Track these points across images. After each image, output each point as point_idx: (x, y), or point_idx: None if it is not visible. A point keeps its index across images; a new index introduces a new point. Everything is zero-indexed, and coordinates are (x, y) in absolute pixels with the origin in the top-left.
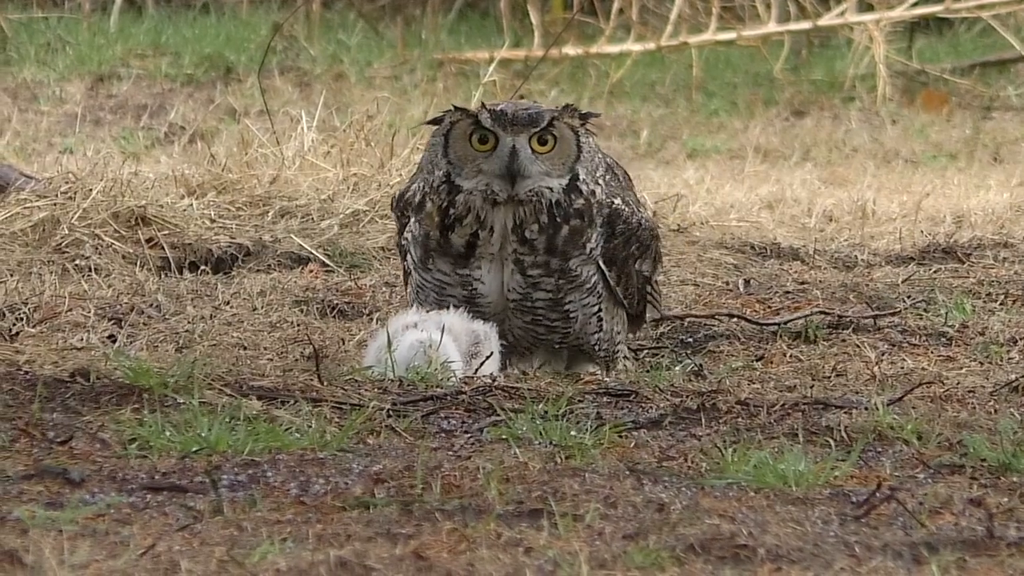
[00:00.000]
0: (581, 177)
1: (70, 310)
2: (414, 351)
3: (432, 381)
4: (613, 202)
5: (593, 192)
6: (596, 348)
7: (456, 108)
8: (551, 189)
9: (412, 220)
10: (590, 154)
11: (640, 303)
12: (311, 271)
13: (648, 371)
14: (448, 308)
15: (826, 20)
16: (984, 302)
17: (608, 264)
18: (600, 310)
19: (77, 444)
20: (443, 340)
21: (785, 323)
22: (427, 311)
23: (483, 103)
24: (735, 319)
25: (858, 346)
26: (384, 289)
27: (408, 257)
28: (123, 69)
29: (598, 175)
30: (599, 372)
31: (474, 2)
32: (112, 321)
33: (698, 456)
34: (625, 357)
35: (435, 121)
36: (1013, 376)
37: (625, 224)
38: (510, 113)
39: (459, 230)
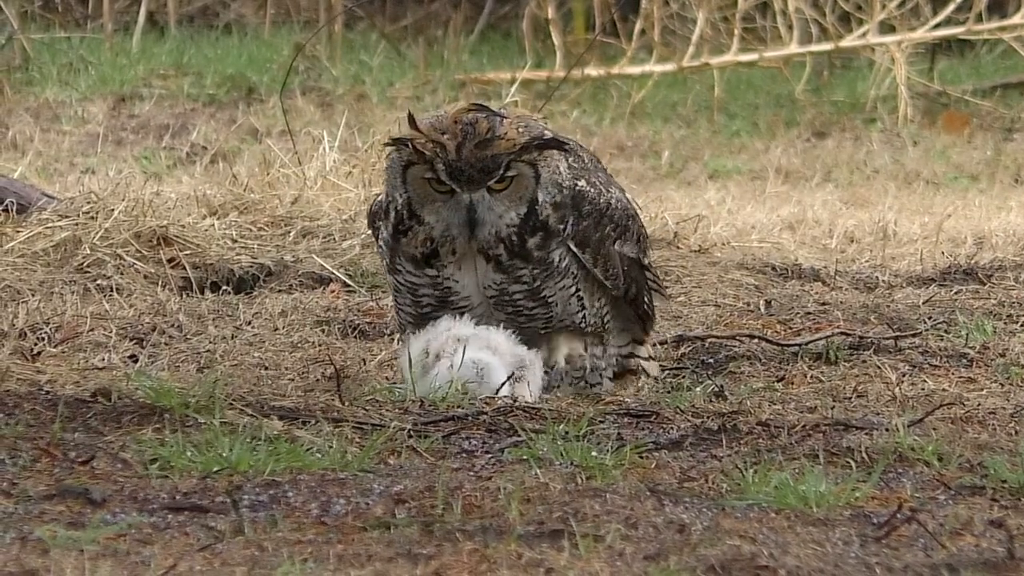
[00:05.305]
0: (540, 200)
1: (91, 330)
2: (469, 371)
3: (453, 401)
4: (576, 184)
5: (553, 204)
6: (583, 327)
7: (415, 149)
8: (509, 225)
9: (382, 227)
10: (548, 174)
11: (634, 287)
12: (332, 291)
13: (669, 392)
14: (493, 326)
15: (848, 41)
16: (1005, 323)
17: (581, 247)
18: (578, 290)
19: (98, 464)
20: (494, 361)
21: (806, 344)
22: (472, 323)
23: (434, 141)
24: (756, 340)
25: (879, 367)
26: None
27: (383, 261)
28: (145, 89)
29: (560, 180)
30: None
31: (496, 23)
32: (133, 341)
33: (719, 477)
34: (649, 358)
35: (399, 141)
36: None
37: (591, 205)
38: (466, 172)
39: (412, 240)
